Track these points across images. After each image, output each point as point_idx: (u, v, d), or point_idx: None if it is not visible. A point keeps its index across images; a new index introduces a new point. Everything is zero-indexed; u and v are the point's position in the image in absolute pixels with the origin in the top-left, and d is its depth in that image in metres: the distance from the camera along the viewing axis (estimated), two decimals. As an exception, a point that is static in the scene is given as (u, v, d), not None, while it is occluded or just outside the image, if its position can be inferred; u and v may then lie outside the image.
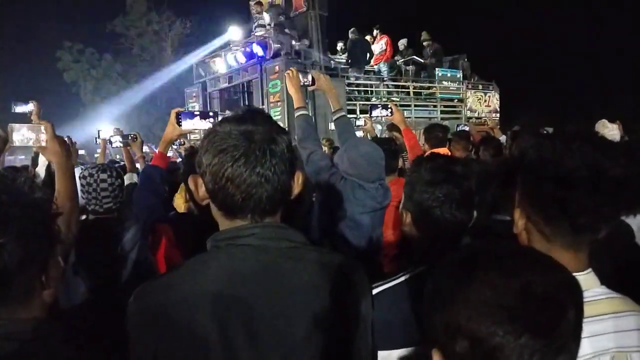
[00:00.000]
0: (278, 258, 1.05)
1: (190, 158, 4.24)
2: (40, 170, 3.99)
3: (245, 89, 12.00)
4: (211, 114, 2.22)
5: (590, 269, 1.04)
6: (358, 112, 10.06)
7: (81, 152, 9.38)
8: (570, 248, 1.01)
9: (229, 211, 1.06)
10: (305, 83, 2.89)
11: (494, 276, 0.73)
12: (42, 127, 1.73)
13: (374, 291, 1.28)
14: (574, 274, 0.99)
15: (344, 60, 12.06)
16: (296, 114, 2.72)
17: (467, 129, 6.61)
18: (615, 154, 0.95)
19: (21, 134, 1.74)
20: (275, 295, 1.01)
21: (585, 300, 0.98)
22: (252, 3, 12.06)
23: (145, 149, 6.34)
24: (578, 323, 0.73)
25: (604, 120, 4.37)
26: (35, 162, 4.23)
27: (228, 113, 1.21)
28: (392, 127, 4.66)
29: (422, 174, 1.42)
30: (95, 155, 6.85)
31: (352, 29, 11.77)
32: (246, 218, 1.06)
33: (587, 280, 1.02)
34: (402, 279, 1.34)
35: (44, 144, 1.73)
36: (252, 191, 1.02)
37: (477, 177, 2.17)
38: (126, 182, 4.34)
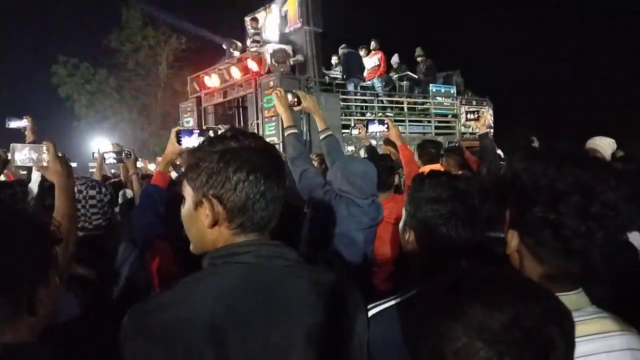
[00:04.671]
0: (274, 276, 1.06)
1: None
2: (33, 186, 3.96)
3: (240, 104, 12.01)
4: (211, 132, 2.20)
5: (580, 289, 1.04)
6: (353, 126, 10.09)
7: (73, 164, 9.35)
8: (562, 270, 1.02)
9: (253, 228, 1.09)
10: (293, 103, 2.90)
11: (480, 308, 0.70)
12: (44, 147, 1.72)
13: (371, 312, 1.27)
14: (565, 293, 1.00)
15: (339, 75, 12.13)
16: (286, 133, 2.75)
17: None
18: (606, 176, 0.96)
19: (23, 154, 1.74)
20: (270, 314, 1.01)
21: (575, 320, 0.98)
22: (247, 19, 12.15)
23: (140, 164, 6.33)
24: (568, 356, 0.71)
25: (599, 136, 4.40)
26: (28, 178, 4.21)
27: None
28: (387, 142, 4.67)
29: (426, 191, 1.42)
30: (90, 170, 6.82)
31: (342, 45, 11.92)
32: (263, 233, 1.11)
33: (578, 300, 1.02)
34: (399, 299, 1.32)
35: (45, 163, 1.72)
36: (272, 207, 1.08)
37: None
38: (121, 199, 4.33)
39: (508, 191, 1.08)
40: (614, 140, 4.36)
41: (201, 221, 1.09)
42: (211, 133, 2.21)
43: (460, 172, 4.53)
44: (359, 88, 11.85)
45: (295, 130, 2.76)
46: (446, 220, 1.36)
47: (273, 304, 1.02)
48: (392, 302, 1.32)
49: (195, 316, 0.97)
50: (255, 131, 9.79)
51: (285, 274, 1.07)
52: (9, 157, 1.96)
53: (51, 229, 0.98)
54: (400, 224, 1.52)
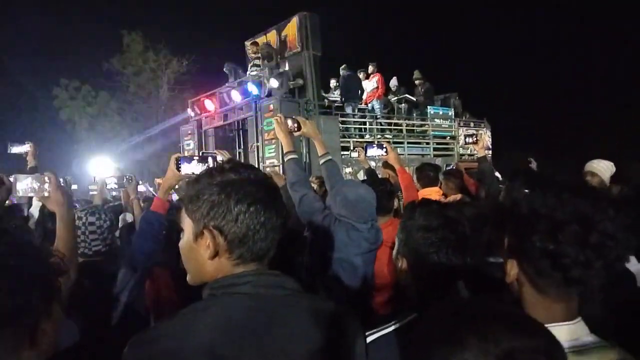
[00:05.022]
0: (272, 306, 1.06)
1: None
2: (34, 211, 3.99)
3: (240, 126, 12.07)
4: (210, 159, 2.23)
5: (579, 318, 1.04)
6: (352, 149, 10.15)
7: (74, 187, 9.35)
8: (561, 299, 1.02)
9: (253, 258, 1.10)
10: (293, 129, 2.94)
11: (476, 341, 0.71)
12: (46, 177, 1.76)
13: (370, 338, 1.28)
14: (564, 323, 1.00)
15: (338, 98, 12.24)
16: (286, 158, 2.78)
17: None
18: (605, 206, 0.97)
19: (25, 184, 1.78)
20: (269, 343, 1.02)
21: (575, 349, 0.98)
22: (247, 43, 12.32)
23: (142, 188, 6.33)
24: None
25: (597, 159, 4.43)
26: (29, 203, 4.23)
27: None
28: (386, 165, 4.70)
29: (417, 219, 1.44)
30: (91, 193, 6.82)
31: (343, 66, 12.01)
32: (262, 263, 1.12)
33: (577, 329, 1.02)
34: (396, 326, 1.33)
35: (47, 194, 1.76)
36: (271, 236, 1.10)
37: (473, 220, 2.19)
38: (121, 223, 4.34)
39: (507, 219, 1.09)
40: (612, 163, 4.40)
41: (201, 253, 1.10)
42: (210, 159, 2.24)
43: (459, 196, 4.55)
44: (356, 111, 11.93)
45: (295, 156, 2.79)
46: (437, 248, 1.39)
47: (272, 334, 1.03)
48: (391, 329, 1.32)
49: (194, 346, 0.98)
50: (256, 153, 9.84)
51: (284, 304, 1.08)
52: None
53: (55, 261, 0.99)
54: (394, 252, 1.53)
